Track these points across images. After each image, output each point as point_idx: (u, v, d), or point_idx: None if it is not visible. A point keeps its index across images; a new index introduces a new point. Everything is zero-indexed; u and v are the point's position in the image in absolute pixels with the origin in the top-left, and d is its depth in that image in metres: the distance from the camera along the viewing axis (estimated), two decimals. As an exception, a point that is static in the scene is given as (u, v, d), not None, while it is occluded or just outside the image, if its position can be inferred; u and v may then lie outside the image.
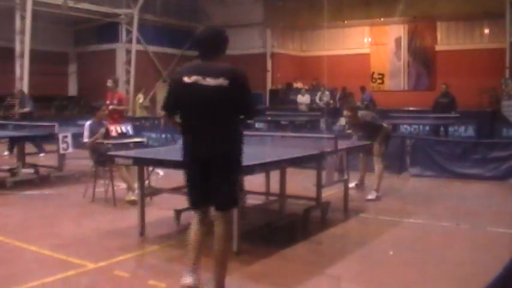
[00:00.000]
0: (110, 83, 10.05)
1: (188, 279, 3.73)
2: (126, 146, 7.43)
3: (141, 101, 17.64)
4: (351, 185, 7.32)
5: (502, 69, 16.53)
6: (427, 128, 12.98)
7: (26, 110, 13.03)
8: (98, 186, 7.21)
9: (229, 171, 3.79)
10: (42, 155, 10.86)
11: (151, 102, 19.77)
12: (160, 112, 3.73)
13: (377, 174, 7.46)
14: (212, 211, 3.86)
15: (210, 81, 3.69)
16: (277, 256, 4.85)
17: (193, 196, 3.87)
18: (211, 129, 3.73)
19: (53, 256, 4.80)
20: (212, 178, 3.75)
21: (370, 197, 7.31)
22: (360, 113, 7.76)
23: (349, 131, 7.89)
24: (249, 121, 4.18)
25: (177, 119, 3.91)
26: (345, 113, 7.73)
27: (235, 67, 3.82)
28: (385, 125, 7.66)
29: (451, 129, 12.87)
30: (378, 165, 7.46)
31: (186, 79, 3.76)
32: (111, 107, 9.42)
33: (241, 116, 3.85)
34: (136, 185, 6.04)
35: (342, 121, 7.91)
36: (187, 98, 3.75)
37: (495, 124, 13.31)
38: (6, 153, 11.13)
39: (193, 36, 3.99)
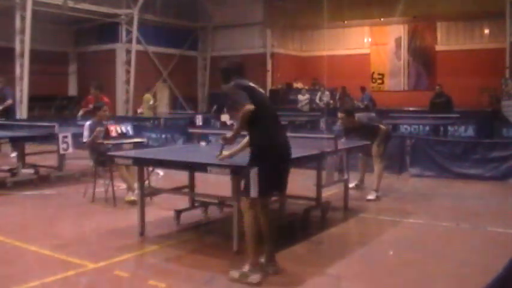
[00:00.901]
0: (92, 90, 10.19)
1: (257, 277, 4.09)
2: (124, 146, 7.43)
3: (151, 102, 17.55)
4: (351, 185, 7.31)
5: (502, 69, 16.54)
6: (427, 128, 12.99)
7: (8, 102, 11.98)
8: (98, 186, 7.21)
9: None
10: (13, 154, 10.81)
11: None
12: (249, 107, 4.02)
13: (376, 174, 7.46)
14: None
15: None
16: (277, 256, 4.83)
17: (270, 185, 4.29)
18: (280, 125, 4.55)
19: (53, 256, 4.80)
20: (286, 167, 4.44)
21: (370, 197, 7.32)
22: (357, 115, 7.70)
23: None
24: None
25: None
26: (339, 115, 7.70)
27: None
28: (382, 126, 7.60)
29: (451, 129, 12.88)
30: (377, 166, 7.46)
31: (252, 84, 4.38)
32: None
33: None
34: (136, 185, 6.04)
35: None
36: (260, 99, 4.35)
37: (495, 124, 13.31)
38: (13, 154, 11.06)
39: (234, 64, 4.67)
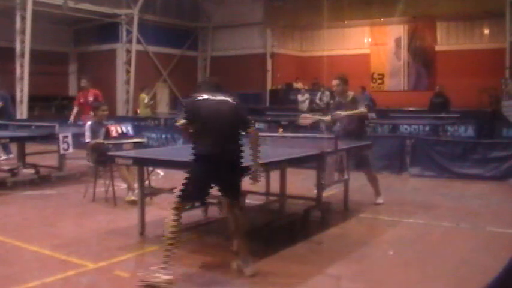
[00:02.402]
0: (84, 82, 10.27)
1: (165, 277, 4.02)
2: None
3: (146, 100, 17.54)
4: (379, 201, 7.08)
5: (502, 69, 16.55)
6: (427, 128, 13.02)
7: None
8: (98, 186, 7.21)
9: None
10: (3, 157, 10.80)
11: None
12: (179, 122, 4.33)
13: (373, 180, 7.16)
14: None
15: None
16: (277, 256, 4.85)
17: (193, 192, 4.30)
18: (224, 135, 4.39)
19: (53, 256, 4.80)
20: (224, 177, 4.35)
21: (379, 201, 7.11)
22: (350, 93, 7.20)
23: (328, 119, 7.34)
24: None
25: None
26: (334, 82, 7.18)
27: None
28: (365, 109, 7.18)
29: (450, 129, 12.90)
30: (370, 173, 7.15)
31: (202, 96, 4.39)
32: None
33: None
34: (136, 185, 6.04)
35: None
36: (202, 111, 4.34)
37: (495, 124, 13.32)
38: (4, 157, 11.02)
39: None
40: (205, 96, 4.38)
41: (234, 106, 4.42)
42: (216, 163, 4.26)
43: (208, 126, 4.30)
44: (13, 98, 15.45)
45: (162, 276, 4.00)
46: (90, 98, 9.94)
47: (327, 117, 7.47)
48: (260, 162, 4.48)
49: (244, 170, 4.42)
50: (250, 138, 4.47)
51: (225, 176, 4.34)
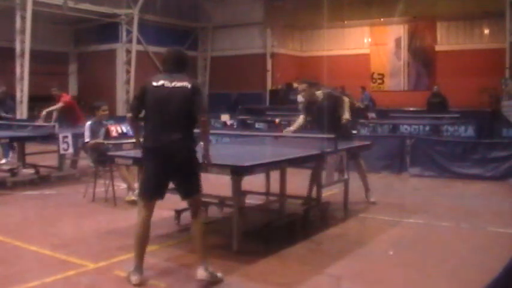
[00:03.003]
0: (55, 90, 10.12)
1: (135, 278, 4.07)
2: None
3: None
4: (373, 199, 7.13)
5: (502, 69, 16.54)
6: (427, 128, 13.02)
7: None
8: (98, 186, 7.21)
9: None
10: (3, 161, 10.59)
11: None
12: (128, 115, 4.35)
13: (364, 177, 7.19)
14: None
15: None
16: (277, 256, 4.85)
17: (153, 189, 4.21)
18: (173, 125, 4.21)
19: (53, 256, 4.80)
20: (176, 170, 4.17)
21: (373, 199, 7.14)
22: (319, 92, 7.09)
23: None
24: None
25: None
26: (301, 87, 7.17)
27: None
28: (346, 98, 7.16)
29: (450, 129, 12.91)
30: (362, 166, 7.20)
31: (157, 82, 4.28)
32: (44, 111, 9.82)
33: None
34: (136, 185, 6.04)
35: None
36: (152, 97, 4.29)
37: (495, 124, 13.32)
38: (3, 160, 10.88)
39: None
40: (161, 82, 4.14)
41: (189, 92, 4.08)
42: (163, 157, 4.07)
43: (155, 117, 4.13)
44: (13, 98, 15.48)
45: (131, 278, 4.08)
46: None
47: (299, 121, 7.26)
48: (208, 153, 4.23)
49: (196, 164, 4.18)
50: (200, 127, 4.15)
51: (175, 170, 4.12)
